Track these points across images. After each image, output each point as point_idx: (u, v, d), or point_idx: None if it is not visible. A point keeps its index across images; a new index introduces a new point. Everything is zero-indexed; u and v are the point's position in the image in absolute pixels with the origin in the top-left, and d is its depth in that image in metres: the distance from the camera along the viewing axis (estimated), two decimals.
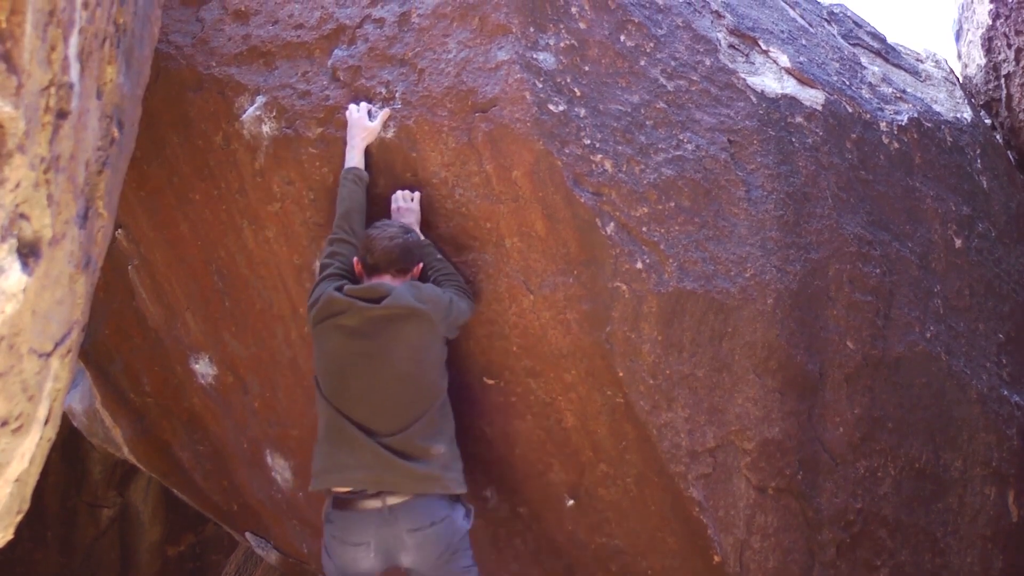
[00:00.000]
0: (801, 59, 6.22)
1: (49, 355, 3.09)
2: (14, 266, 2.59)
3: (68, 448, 10.79)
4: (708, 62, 5.63)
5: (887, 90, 6.81)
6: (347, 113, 5.06)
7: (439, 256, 5.03)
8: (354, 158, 5.03)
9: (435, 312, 4.77)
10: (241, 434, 6.30)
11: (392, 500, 4.73)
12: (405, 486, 4.74)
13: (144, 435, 6.77)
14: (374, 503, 4.75)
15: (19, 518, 3.45)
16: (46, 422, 3.28)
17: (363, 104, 5.07)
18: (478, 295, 5.03)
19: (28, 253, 2.69)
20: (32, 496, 3.51)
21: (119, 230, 5.86)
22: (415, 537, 4.74)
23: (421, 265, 4.97)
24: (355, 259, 4.96)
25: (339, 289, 4.86)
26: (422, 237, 5.01)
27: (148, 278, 6.01)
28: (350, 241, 4.99)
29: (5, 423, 2.87)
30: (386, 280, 4.86)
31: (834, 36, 7.05)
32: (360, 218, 5.06)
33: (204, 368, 6.14)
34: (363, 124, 5.01)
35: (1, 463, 2.99)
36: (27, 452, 3.15)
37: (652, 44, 5.42)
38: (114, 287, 6.16)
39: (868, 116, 6.29)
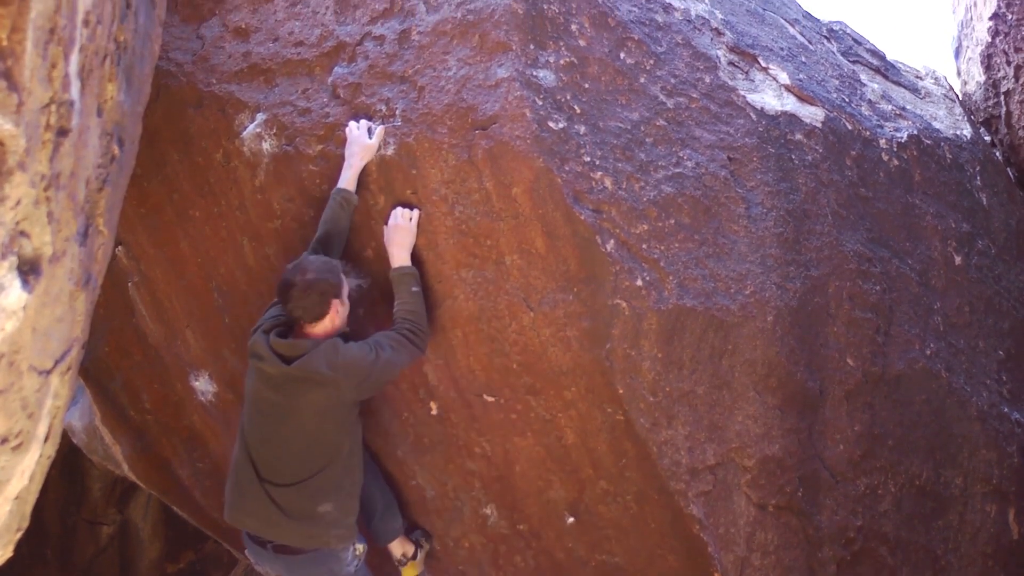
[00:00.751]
0: (801, 76, 6.23)
1: (49, 372, 3.09)
2: (14, 284, 2.59)
3: (68, 465, 10.77)
4: (708, 79, 5.64)
5: (887, 107, 6.82)
6: (347, 130, 5.07)
7: (413, 288, 5.00)
8: (348, 178, 5.03)
9: (347, 380, 4.81)
10: None
11: (280, 545, 5.07)
12: (290, 539, 5.03)
13: (144, 452, 6.76)
14: (265, 546, 5.10)
15: (19, 535, 3.45)
16: (46, 439, 3.28)
17: (363, 121, 5.08)
18: (477, 313, 5.02)
19: (28, 271, 2.69)
20: (32, 513, 3.51)
21: (119, 247, 5.86)
22: None
23: (336, 305, 4.92)
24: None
25: (269, 332, 4.97)
26: (403, 267, 5.03)
27: (148, 295, 6.01)
28: None
29: (5, 440, 2.87)
30: (306, 332, 4.94)
31: (833, 53, 7.06)
32: (339, 243, 5.10)
33: (204, 385, 6.13)
34: (363, 142, 5.01)
35: (1, 480, 2.98)
36: (27, 469, 3.15)
37: (652, 61, 5.43)
38: (114, 304, 6.15)
39: (868, 133, 6.29)
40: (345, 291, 4.98)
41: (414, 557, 5.73)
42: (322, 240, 5.03)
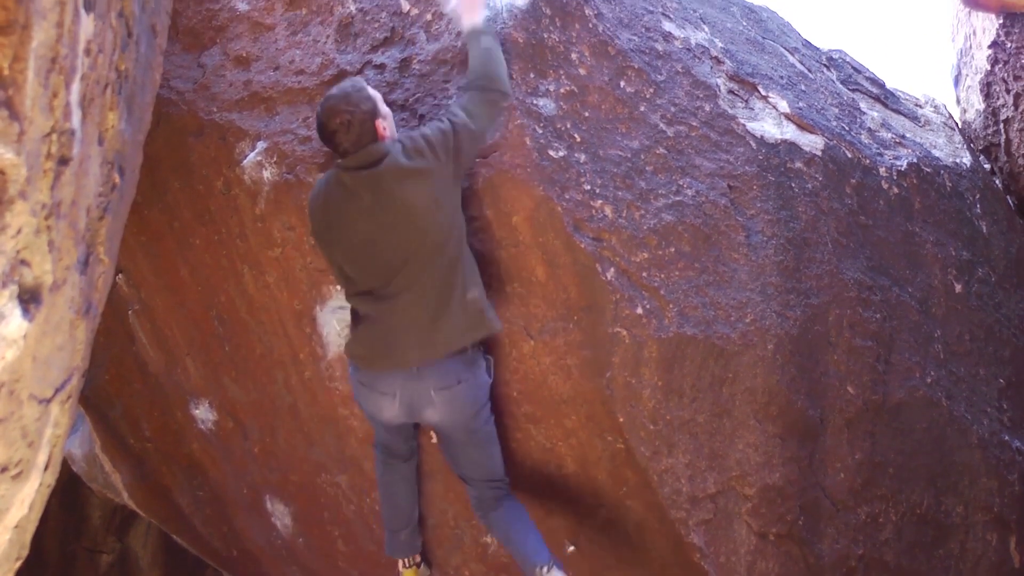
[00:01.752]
0: (800, 104, 6.24)
1: (49, 401, 3.09)
2: (15, 312, 2.59)
3: (67, 493, 10.75)
4: (708, 108, 5.65)
5: (886, 135, 6.83)
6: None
7: (484, 44, 4.74)
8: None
9: (438, 155, 4.61)
10: (241, 480, 6.29)
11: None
12: (453, 341, 4.77)
13: (144, 480, 6.75)
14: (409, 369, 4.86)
15: (18, 564, 3.44)
16: (46, 468, 3.28)
17: None
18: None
19: (29, 299, 2.69)
20: (31, 542, 3.50)
21: (119, 275, 5.87)
22: (442, 395, 4.81)
23: (379, 123, 4.71)
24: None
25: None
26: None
27: (148, 323, 6.01)
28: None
29: (5, 469, 2.87)
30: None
31: (833, 82, 7.08)
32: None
33: (204, 413, 6.13)
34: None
35: (0, 509, 2.98)
36: (27, 498, 3.14)
37: (652, 90, 5.44)
38: (114, 332, 6.16)
39: (867, 161, 6.30)
40: (380, 104, 4.79)
41: (415, 566, 5.69)
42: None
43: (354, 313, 4.90)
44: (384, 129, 4.71)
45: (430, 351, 4.72)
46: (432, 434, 5.36)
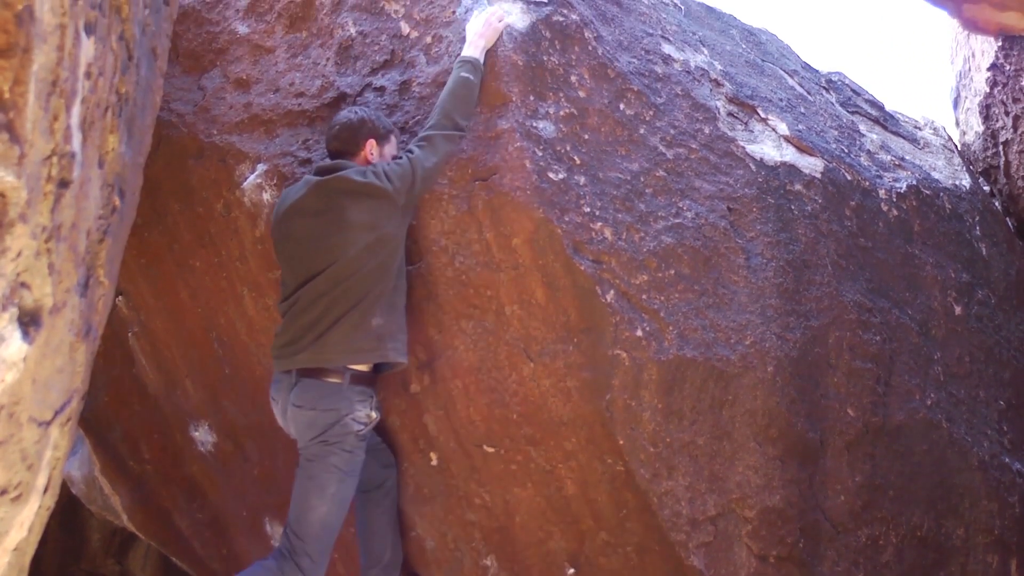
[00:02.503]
0: (800, 127, 6.25)
1: (49, 424, 3.08)
2: (15, 335, 2.58)
3: (66, 516, 10.71)
4: (707, 130, 5.66)
5: (886, 157, 6.84)
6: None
7: (462, 74, 4.90)
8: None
9: (390, 183, 4.76)
10: (240, 502, 6.27)
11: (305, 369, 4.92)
12: (338, 356, 4.86)
13: (143, 503, 6.74)
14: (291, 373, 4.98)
15: None
16: (45, 490, 3.27)
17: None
18: (477, 364, 5.00)
19: (29, 322, 2.69)
20: (30, 564, 3.49)
21: (119, 297, 5.87)
22: (294, 412, 4.92)
23: (371, 144, 4.95)
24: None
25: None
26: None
27: (148, 345, 6.01)
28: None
29: (4, 492, 2.86)
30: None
31: (832, 104, 7.09)
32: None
33: (203, 435, 6.12)
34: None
35: (0, 532, 2.97)
36: (26, 521, 3.13)
37: (651, 112, 5.45)
38: (114, 354, 6.15)
39: (867, 184, 6.31)
40: (388, 138, 5.01)
41: None
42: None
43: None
44: (372, 153, 4.94)
45: (315, 357, 4.83)
46: (432, 455, 5.36)
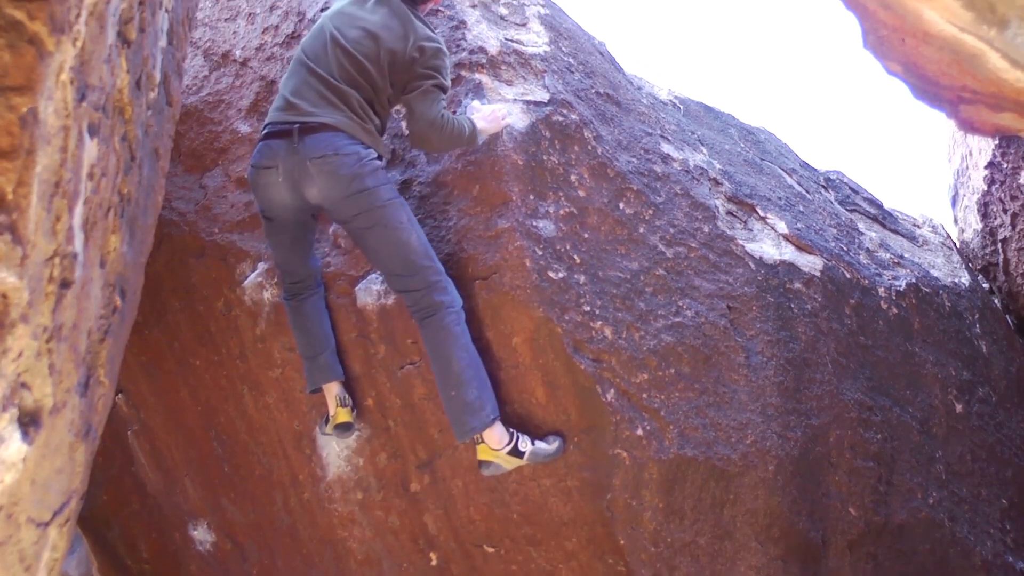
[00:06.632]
0: (799, 225, 6.29)
1: (47, 524, 3.07)
2: (14, 436, 2.58)
3: None
4: (707, 229, 5.69)
5: (885, 255, 6.87)
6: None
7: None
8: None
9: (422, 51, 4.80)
10: None
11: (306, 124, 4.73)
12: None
13: None
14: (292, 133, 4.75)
15: None
16: None
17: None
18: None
19: (28, 422, 2.69)
20: None
21: (119, 395, 5.87)
22: (317, 165, 4.68)
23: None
24: None
25: None
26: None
27: (147, 443, 6.00)
28: None
29: None
30: None
31: (831, 202, 7.13)
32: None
33: (202, 535, 6.08)
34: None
35: None
36: None
37: (651, 211, 5.48)
38: (113, 452, 6.14)
39: (866, 282, 6.33)
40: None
41: (343, 405, 5.28)
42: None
43: None
44: None
45: (321, 114, 4.70)
46: (432, 555, 5.32)
